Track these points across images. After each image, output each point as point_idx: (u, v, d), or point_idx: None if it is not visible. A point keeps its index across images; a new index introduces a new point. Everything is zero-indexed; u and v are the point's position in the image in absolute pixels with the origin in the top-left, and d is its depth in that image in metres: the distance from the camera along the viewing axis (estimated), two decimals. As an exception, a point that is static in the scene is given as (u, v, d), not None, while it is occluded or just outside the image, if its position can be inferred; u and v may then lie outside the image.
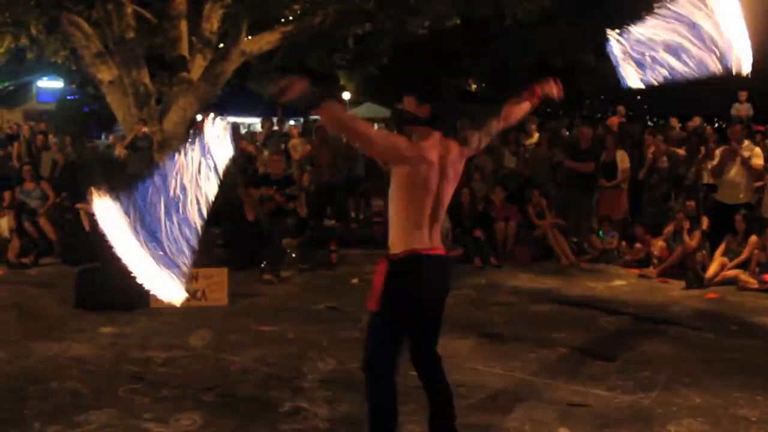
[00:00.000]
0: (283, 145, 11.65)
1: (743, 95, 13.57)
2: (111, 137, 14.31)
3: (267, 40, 11.98)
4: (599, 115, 28.34)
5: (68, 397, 4.61)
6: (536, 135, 11.29)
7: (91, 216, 9.54)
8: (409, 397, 4.56)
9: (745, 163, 8.60)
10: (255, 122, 18.61)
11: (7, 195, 9.65)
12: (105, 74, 11.59)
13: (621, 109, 14.33)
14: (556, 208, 9.61)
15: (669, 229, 8.66)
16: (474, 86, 28.72)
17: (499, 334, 6.05)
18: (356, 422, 4.21)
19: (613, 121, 13.55)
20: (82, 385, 4.81)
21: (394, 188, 3.38)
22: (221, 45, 12.23)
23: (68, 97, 24.05)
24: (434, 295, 3.56)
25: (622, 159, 9.73)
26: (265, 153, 11.02)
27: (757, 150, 8.81)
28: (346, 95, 27.62)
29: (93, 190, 8.77)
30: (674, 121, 11.58)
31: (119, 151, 11.68)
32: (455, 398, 4.49)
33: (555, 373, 5.07)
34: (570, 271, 8.76)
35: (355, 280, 8.01)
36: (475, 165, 10.30)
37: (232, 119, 17.34)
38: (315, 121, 13.07)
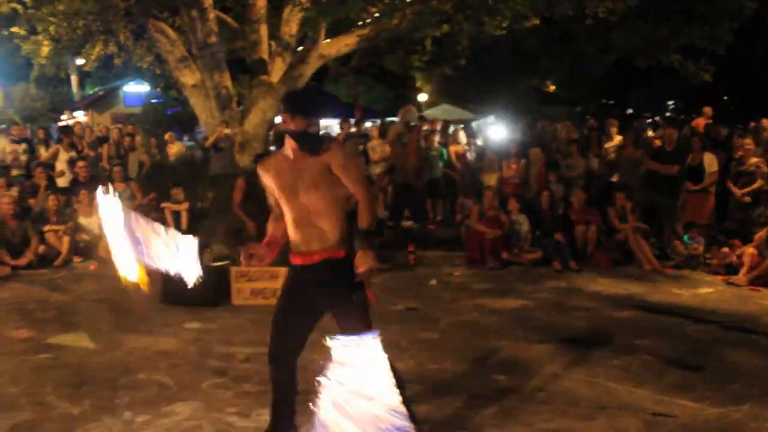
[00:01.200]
0: (361, 147, 11.74)
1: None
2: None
3: (345, 43, 12.11)
4: (683, 116, 27.45)
5: (156, 388, 4.77)
6: (617, 138, 11.01)
7: (175, 214, 9.88)
8: (488, 400, 4.54)
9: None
10: (332, 123, 18.80)
11: (87, 194, 10.01)
12: (188, 78, 11.96)
13: (707, 110, 13.85)
14: (639, 211, 9.35)
15: (760, 234, 8.31)
16: (552, 87, 28.27)
17: (579, 339, 5.92)
18: (435, 422, 4.20)
19: (699, 122, 13.12)
20: (168, 377, 4.97)
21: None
22: (300, 48, 12.44)
23: (153, 101, 24.87)
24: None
25: (710, 162, 9.39)
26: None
27: None
28: (423, 97, 27.63)
29: (176, 189, 9.05)
30: (766, 123, 11.05)
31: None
32: (536, 403, 4.45)
33: (639, 381, 4.93)
34: (653, 277, 8.49)
35: (433, 282, 8.00)
36: (554, 167, 10.17)
37: (309, 121, 17.59)
38: (393, 122, 13.12)
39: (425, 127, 12.69)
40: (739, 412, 4.43)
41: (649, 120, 23.05)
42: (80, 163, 10.65)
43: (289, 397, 3.85)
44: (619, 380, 4.96)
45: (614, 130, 11.05)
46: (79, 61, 16.10)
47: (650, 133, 13.54)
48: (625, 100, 28.00)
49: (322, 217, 3.60)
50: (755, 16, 12.73)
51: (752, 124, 11.93)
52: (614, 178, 10.35)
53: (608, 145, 10.84)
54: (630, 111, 27.83)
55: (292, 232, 3.68)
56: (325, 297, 3.74)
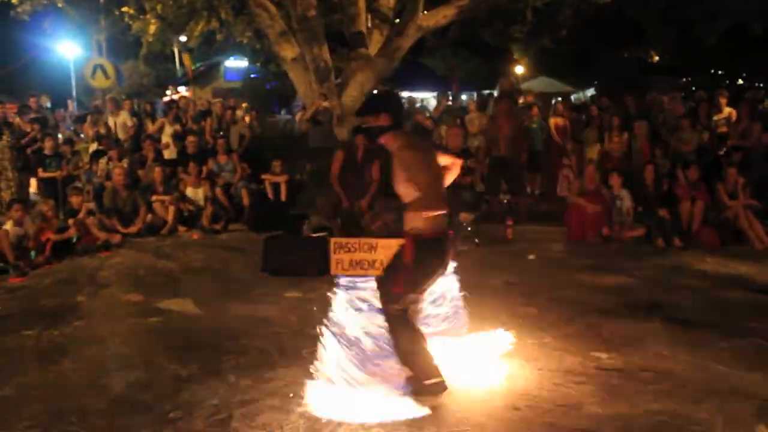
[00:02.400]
0: (459, 120, 11.63)
1: None
2: (298, 114, 14.99)
3: (443, 14, 11.97)
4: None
5: (258, 354, 4.92)
6: (726, 110, 10.46)
7: (275, 186, 10.10)
8: (589, 378, 4.44)
9: None
10: (428, 96, 18.71)
11: (203, 168, 10.40)
12: (288, 52, 12.13)
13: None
14: (751, 187, 8.85)
15: None
16: (656, 57, 27.09)
17: (686, 320, 5.69)
18: (534, 397, 4.15)
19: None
20: (269, 344, 5.11)
21: None
22: (398, 20, 12.38)
23: (252, 76, 25.45)
24: None
25: (833, 134, 8.79)
26: (442, 127, 11.05)
27: None
28: (520, 69, 27.07)
29: (276, 162, 9.23)
30: None
31: (299, 118, 12.22)
32: (640, 382, 4.32)
33: (751, 366, 4.69)
34: (765, 257, 8.04)
35: (532, 256, 7.86)
36: (662, 141, 9.76)
37: (406, 94, 17.56)
38: (491, 94, 12.93)
39: (527, 100, 12.43)
40: None
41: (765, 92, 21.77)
42: (190, 138, 11.04)
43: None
44: (729, 364, 4.73)
45: (724, 101, 10.50)
46: (182, 38, 16.62)
47: (766, 104, 12.80)
48: (737, 70, 26.51)
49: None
50: None
51: None
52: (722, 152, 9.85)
53: (717, 117, 10.31)
54: (741, 82, 26.35)
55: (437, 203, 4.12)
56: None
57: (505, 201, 9.62)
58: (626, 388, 4.29)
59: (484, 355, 4.76)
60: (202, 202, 9.87)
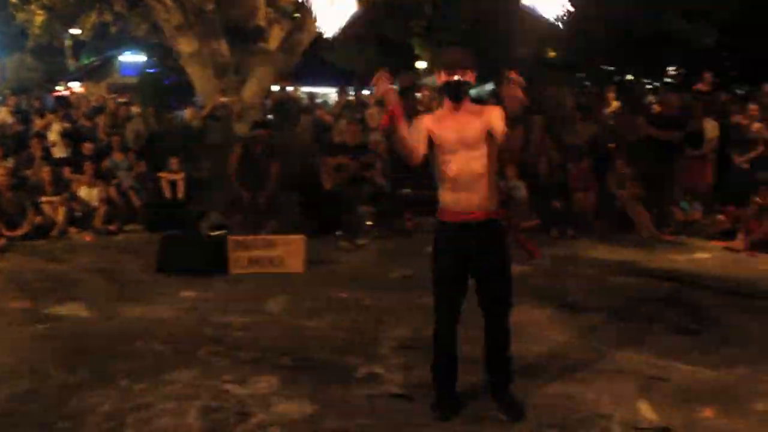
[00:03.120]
0: (359, 115, 11.65)
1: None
2: (186, 110, 14.61)
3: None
4: (685, 82, 27.20)
5: (153, 357, 4.79)
6: (614, 103, 10.93)
7: (172, 184, 9.84)
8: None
9: None
10: (330, 92, 18.67)
11: (92, 167, 10.01)
12: (185, 46, 11.82)
13: (707, 75, 13.71)
14: (637, 178, 9.30)
15: (757, 200, 8.27)
16: (553, 53, 27.95)
17: (578, 305, 5.93)
18: (430, 388, 4.20)
19: (700, 88, 12.99)
20: (165, 346, 4.98)
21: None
22: (298, 15, 12.28)
23: (149, 71, 24.68)
24: None
25: (710, 128, 9.33)
26: (342, 122, 11.05)
27: None
28: (422, 64, 27.35)
29: (173, 159, 8.98)
30: (768, 88, 10.97)
31: (190, 116, 11.97)
32: (534, 368, 4.47)
33: (635, 346, 4.94)
34: (651, 244, 8.48)
35: (430, 248, 7.97)
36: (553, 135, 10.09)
37: (307, 89, 17.45)
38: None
39: (426, 95, 12.59)
40: (733, 375, 4.44)
41: (650, 86, 22.88)
42: (86, 144, 10.59)
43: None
44: (617, 345, 4.97)
45: (611, 96, 10.97)
46: (75, 31, 15.96)
47: (651, 99, 13.43)
48: (626, 66, 27.72)
49: (485, 173, 3.65)
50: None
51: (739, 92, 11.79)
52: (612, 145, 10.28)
53: (606, 111, 10.76)
54: (630, 77, 27.59)
55: (448, 188, 3.71)
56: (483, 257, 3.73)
57: (411, 195, 9.73)
58: (521, 375, 4.40)
59: (382, 348, 4.81)
60: (95, 203, 9.50)
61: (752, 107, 9.58)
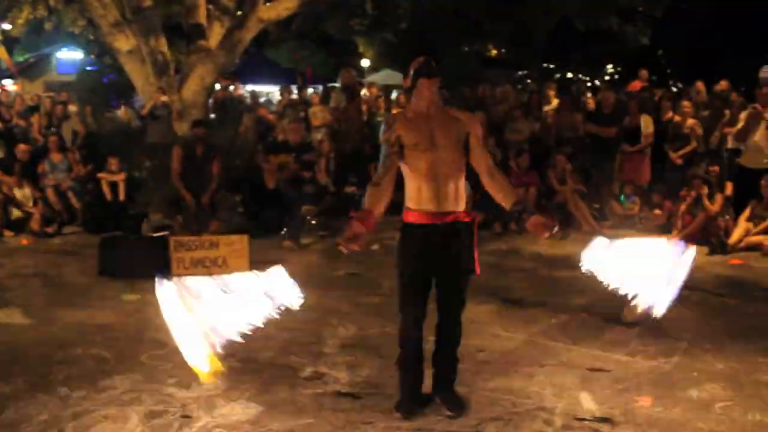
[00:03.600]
0: (302, 113, 11.61)
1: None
2: (122, 109, 14.37)
3: (285, 7, 11.87)
4: (622, 79, 27.91)
5: (93, 363, 4.68)
6: (555, 101, 11.14)
7: (112, 185, 9.64)
8: (429, 363, 4.59)
9: (771, 126, 8.44)
10: (273, 90, 18.53)
11: (19, 167, 9.71)
12: (123, 44, 11.57)
13: (644, 73, 14.10)
14: (577, 173, 9.52)
15: (691, 195, 8.55)
16: (494, 51, 28.35)
17: (519, 300, 6.04)
18: (376, 386, 4.24)
19: (636, 85, 13.35)
20: (106, 351, 4.88)
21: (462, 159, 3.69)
22: (239, 12, 12.15)
23: (87, 68, 24.06)
24: None
25: (647, 124, 9.58)
26: (285, 121, 10.99)
27: (784, 113, 8.63)
28: (365, 62, 27.41)
29: (112, 159, 8.76)
30: (700, 85, 11.33)
31: (125, 115, 11.75)
32: (477, 363, 4.54)
33: (575, 339, 5.07)
34: (591, 238, 8.64)
35: (375, 246, 8.00)
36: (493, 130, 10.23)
37: (250, 87, 17.28)
38: (334, 87, 13.01)
39: (372, 92, 12.61)
40: (669, 364, 4.59)
41: (590, 84, 23.39)
42: (22, 147, 10.25)
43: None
44: (557, 338, 5.09)
45: (552, 93, 11.18)
46: (6, 26, 15.45)
47: (588, 96, 13.73)
48: (566, 63, 28.32)
49: (455, 176, 3.64)
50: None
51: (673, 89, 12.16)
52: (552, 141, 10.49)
53: (547, 108, 10.96)
54: (570, 75, 28.17)
55: (416, 189, 3.67)
56: (447, 259, 3.71)
57: (355, 193, 9.75)
58: (464, 370, 4.44)
59: (327, 347, 4.81)
60: (31, 204, 9.22)
61: (685, 104, 9.88)
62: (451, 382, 3.98)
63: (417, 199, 3.68)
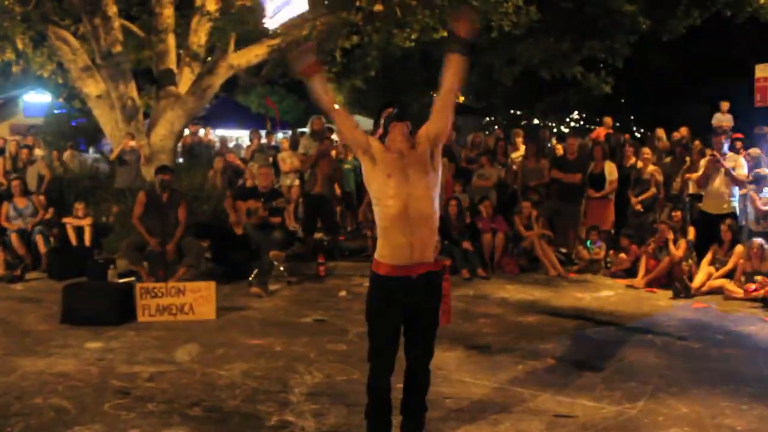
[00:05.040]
0: (271, 158, 11.65)
1: (725, 105, 13.70)
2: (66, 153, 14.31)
3: (254, 53, 12.00)
4: (587, 126, 28.53)
5: (53, 413, 4.57)
6: (522, 147, 11.33)
7: (78, 230, 9.52)
8: (396, 410, 4.57)
9: (729, 173, 8.68)
10: (243, 135, 18.60)
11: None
12: (92, 88, 11.59)
13: (607, 120, 14.45)
14: (543, 219, 9.66)
15: (653, 239, 8.72)
16: (462, 98, 28.85)
17: (486, 346, 6.05)
18: (344, 434, 4.21)
19: (600, 131, 13.66)
20: (67, 401, 4.77)
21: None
22: (209, 58, 12.25)
23: (55, 111, 23.92)
24: None
25: (611, 170, 9.79)
26: (254, 166, 11.02)
27: (741, 160, 8.88)
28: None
29: (79, 204, 8.67)
30: (660, 132, 11.64)
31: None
32: (444, 410, 4.52)
33: (542, 384, 5.08)
34: (558, 282, 8.78)
35: (343, 293, 8.00)
36: (461, 177, 10.37)
37: (220, 132, 17.34)
38: (303, 133, 13.08)
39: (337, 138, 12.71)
40: (635, 409, 4.62)
41: (555, 130, 23.83)
42: None
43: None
44: (524, 384, 5.09)
45: (519, 140, 11.38)
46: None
47: (554, 142, 14.01)
48: (533, 110, 28.86)
49: (431, 219, 3.61)
50: (650, 32, 13.43)
51: (649, 133, 12.46)
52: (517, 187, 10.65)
53: (514, 155, 11.14)
54: (537, 121, 28.70)
55: (388, 238, 3.62)
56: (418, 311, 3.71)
57: (323, 239, 9.76)
58: (431, 417, 4.42)
59: (293, 395, 4.76)
60: (-8, 250, 9.07)
61: (645, 150, 10.12)
62: (418, 430, 3.96)
63: (389, 250, 3.63)
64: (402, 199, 3.54)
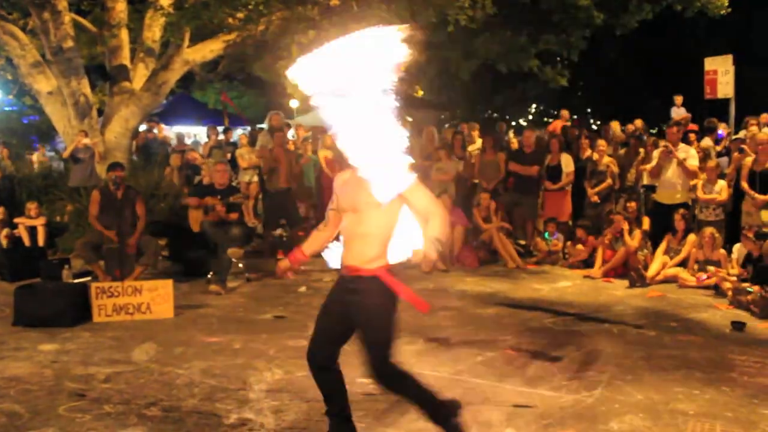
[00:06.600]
0: (229, 155, 11.54)
1: (678, 99, 13.99)
2: (34, 154, 14.03)
3: (210, 49, 11.88)
4: (544, 119, 28.85)
5: (4, 418, 4.46)
6: (479, 140, 11.41)
7: (31, 230, 9.32)
8: (356, 405, 4.57)
9: (681, 164, 8.85)
10: (200, 131, 18.37)
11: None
12: (43, 85, 11.34)
13: (564, 113, 14.64)
14: (501, 211, 9.74)
15: (609, 230, 8.86)
16: (420, 92, 28.92)
17: (446, 338, 6.08)
18: (303, 430, 4.19)
19: (557, 124, 13.82)
20: (19, 405, 4.66)
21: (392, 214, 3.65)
22: (163, 54, 12.08)
23: (5, 109, 23.35)
24: None
25: (567, 162, 9.92)
26: (211, 162, 10.91)
27: (692, 151, 9.07)
28: (294, 103, 27.47)
29: (31, 204, 8.48)
30: (615, 125, 11.84)
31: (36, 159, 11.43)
32: (402, 402, 4.53)
33: (501, 375, 5.13)
34: (516, 274, 8.87)
35: (302, 288, 7.97)
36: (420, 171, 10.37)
37: (177, 128, 17.10)
38: (261, 129, 12.99)
39: (300, 134, 12.66)
40: (592, 397, 4.70)
41: (514, 123, 24.04)
42: None
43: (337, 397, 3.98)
44: (483, 376, 5.13)
45: (476, 133, 11.46)
46: None
47: (510, 135, 14.13)
48: (491, 104, 29.06)
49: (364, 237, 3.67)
50: (605, 26, 13.63)
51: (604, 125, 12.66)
52: (476, 180, 10.72)
53: (471, 148, 11.21)
54: (495, 115, 28.90)
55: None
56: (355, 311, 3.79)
57: (282, 235, 9.69)
58: (391, 411, 4.47)
59: (253, 392, 4.73)
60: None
61: (600, 142, 10.28)
62: None
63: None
64: (346, 222, 3.79)
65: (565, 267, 9.21)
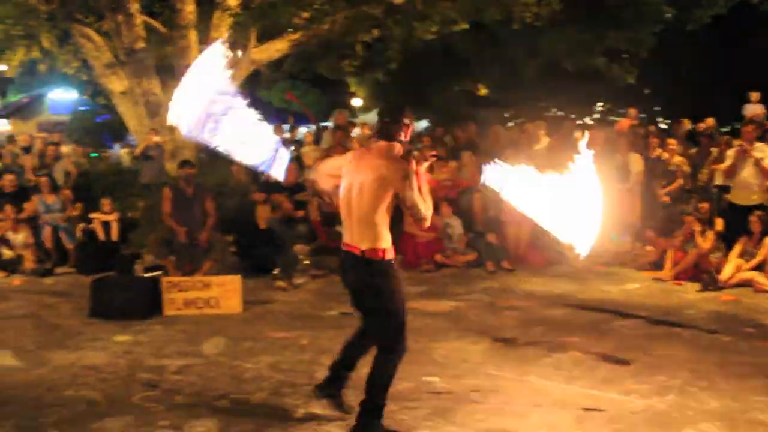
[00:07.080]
0: (295, 152, 11.67)
1: (755, 96, 13.48)
2: (120, 150, 14.42)
3: (276, 48, 12.04)
4: (611, 117, 28.21)
5: (84, 405, 4.63)
6: (545, 139, 11.24)
7: (105, 225, 9.62)
8: (421, 402, 4.57)
9: (758, 163, 8.54)
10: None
11: (26, 207, 9.71)
12: (116, 85, 11.70)
13: (632, 111, 14.28)
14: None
15: (681, 231, 8.61)
16: (484, 91, 28.68)
17: (512, 339, 6.02)
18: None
19: (624, 123, 13.50)
20: (97, 393, 4.83)
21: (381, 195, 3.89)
22: (230, 54, 12.30)
23: (81, 108, 24.20)
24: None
25: (635, 162, 9.68)
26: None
27: (770, 150, 8.74)
28: (357, 101, 27.64)
29: (105, 200, 8.77)
30: (686, 123, 11.49)
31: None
32: (470, 403, 4.51)
33: (570, 378, 5.04)
34: (584, 275, 8.69)
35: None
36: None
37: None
38: (326, 127, 13.12)
39: (365, 132, 12.71)
40: (664, 403, 4.58)
41: (579, 122, 23.58)
42: (8, 176, 10.28)
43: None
44: (551, 377, 5.06)
45: (541, 132, 11.28)
46: (1, 67, 15.56)
47: (578, 135, 13.86)
48: (556, 102, 28.59)
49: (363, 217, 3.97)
50: (675, 21, 13.27)
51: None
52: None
53: (537, 147, 11.05)
54: (561, 113, 28.42)
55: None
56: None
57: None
58: (457, 410, 4.46)
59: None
60: (22, 246, 9.19)
61: (671, 141, 9.99)
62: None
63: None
64: (343, 198, 4.19)
65: (633, 269, 8.99)
